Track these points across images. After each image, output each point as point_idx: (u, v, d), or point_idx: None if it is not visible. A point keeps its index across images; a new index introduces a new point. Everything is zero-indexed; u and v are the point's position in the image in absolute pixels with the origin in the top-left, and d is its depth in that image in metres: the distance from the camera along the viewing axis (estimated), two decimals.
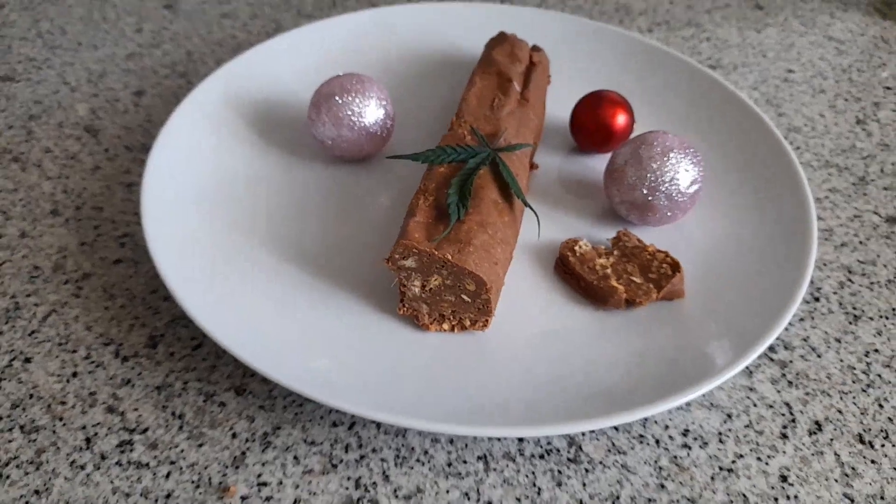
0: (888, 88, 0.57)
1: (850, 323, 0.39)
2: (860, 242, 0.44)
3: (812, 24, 0.64)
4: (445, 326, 0.36)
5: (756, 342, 0.34)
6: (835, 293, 0.41)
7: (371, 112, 0.43)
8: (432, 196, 0.37)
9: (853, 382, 0.36)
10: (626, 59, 0.52)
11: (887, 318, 0.40)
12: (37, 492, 0.30)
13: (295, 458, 0.32)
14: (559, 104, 0.50)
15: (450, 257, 0.33)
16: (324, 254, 0.40)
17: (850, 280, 0.42)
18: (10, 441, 0.32)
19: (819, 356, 0.38)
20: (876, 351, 0.38)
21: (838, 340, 0.38)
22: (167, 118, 0.49)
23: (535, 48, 0.49)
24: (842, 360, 0.37)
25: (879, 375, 0.37)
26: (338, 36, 0.53)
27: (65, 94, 0.52)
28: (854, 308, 0.40)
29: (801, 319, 0.39)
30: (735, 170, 0.45)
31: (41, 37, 0.57)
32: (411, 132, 0.47)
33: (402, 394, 0.32)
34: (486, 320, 0.35)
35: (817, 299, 0.41)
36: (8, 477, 0.31)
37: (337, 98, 0.42)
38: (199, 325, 0.33)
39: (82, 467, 0.31)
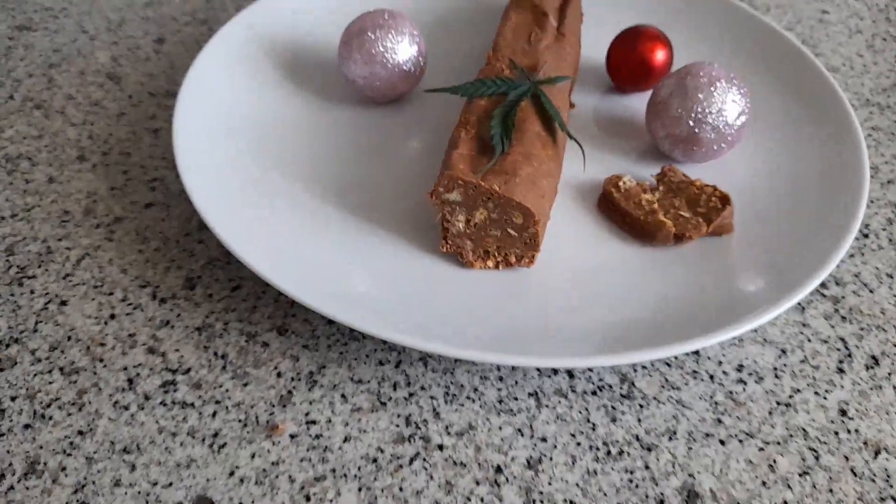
0: None
1: None
2: None
3: None
4: (490, 263, 0.35)
5: (808, 278, 0.33)
6: (884, 229, 0.40)
7: (404, 49, 0.41)
8: (474, 129, 0.35)
9: None
10: None
11: None
12: (80, 432, 0.30)
13: (343, 396, 0.31)
14: (592, 43, 0.48)
15: (497, 188, 0.32)
16: (361, 193, 0.38)
17: None
18: (50, 383, 0.31)
19: (871, 291, 0.37)
20: None
21: (890, 276, 0.37)
22: (191, 63, 0.48)
23: None
24: (895, 295, 0.36)
25: None
26: None
27: (84, 43, 0.50)
28: None
29: (851, 256, 0.38)
30: (779, 105, 0.43)
31: None
32: (444, 71, 0.46)
33: (450, 327, 0.31)
34: (533, 255, 0.34)
35: (866, 235, 0.39)
36: (51, 418, 0.30)
37: (369, 34, 0.41)
38: (243, 260, 0.32)
39: (126, 407, 0.30)
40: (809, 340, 0.34)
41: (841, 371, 0.33)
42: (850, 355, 0.34)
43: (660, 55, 0.43)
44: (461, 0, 0.51)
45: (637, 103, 0.45)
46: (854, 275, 0.37)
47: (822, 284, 0.37)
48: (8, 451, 0.29)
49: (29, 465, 0.29)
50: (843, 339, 0.34)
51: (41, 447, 0.29)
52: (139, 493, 0.28)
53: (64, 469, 0.29)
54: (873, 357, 0.34)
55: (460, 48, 0.48)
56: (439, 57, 0.47)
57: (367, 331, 0.30)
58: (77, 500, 0.28)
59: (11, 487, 0.28)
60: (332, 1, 0.49)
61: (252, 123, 0.41)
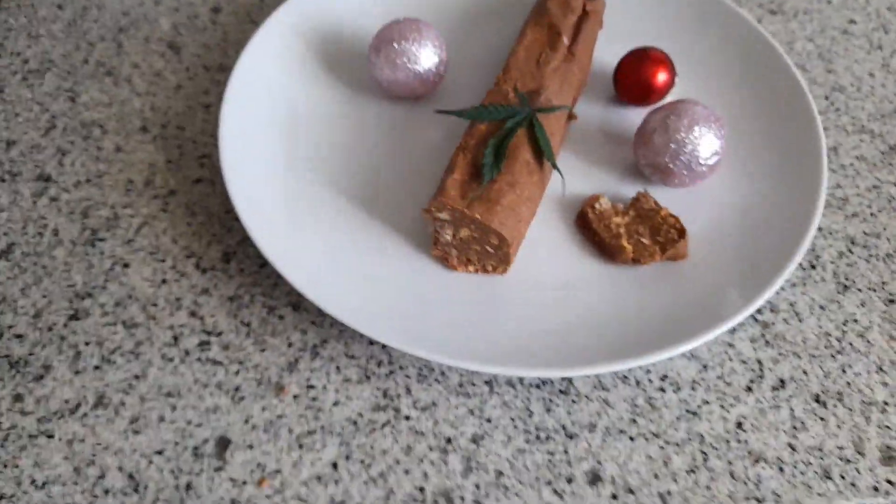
0: None
1: (839, 292, 0.43)
2: (871, 214, 0.47)
3: None
4: (470, 269, 0.42)
5: (740, 309, 0.39)
6: (832, 262, 0.45)
7: (426, 58, 0.46)
8: (471, 153, 0.41)
9: (825, 348, 0.41)
10: (678, 5, 0.53)
11: (874, 290, 0.43)
12: (136, 376, 0.39)
13: (337, 368, 0.40)
14: (609, 52, 0.52)
15: (478, 216, 0.39)
16: (375, 189, 0.45)
17: (850, 251, 0.45)
18: (115, 333, 0.40)
19: (801, 321, 0.42)
20: (855, 321, 0.42)
21: (822, 308, 0.43)
22: (242, 39, 0.54)
23: None
24: (821, 327, 0.42)
25: (851, 344, 0.41)
26: None
27: (149, 7, 0.56)
28: (846, 278, 0.44)
29: (794, 285, 0.44)
30: (762, 135, 0.47)
31: None
32: (466, 72, 0.51)
33: (424, 327, 0.39)
34: (505, 268, 0.41)
35: (814, 267, 0.44)
36: (115, 362, 0.39)
37: (395, 44, 0.46)
38: (260, 249, 0.39)
39: (171, 360, 0.39)
40: (731, 360, 0.41)
41: (749, 389, 0.40)
42: (761, 376, 0.40)
43: (660, 77, 0.47)
44: (490, 5, 0.55)
45: (637, 118, 0.49)
46: (790, 303, 0.43)
47: (758, 310, 0.43)
48: (83, 386, 0.38)
49: (98, 398, 0.38)
50: (759, 362, 0.41)
51: (107, 385, 0.38)
52: (177, 428, 0.37)
53: (123, 404, 0.38)
54: (781, 380, 0.40)
55: (488, 47, 0.52)
56: (467, 54, 0.52)
57: (356, 327, 0.37)
58: (132, 430, 0.37)
59: (85, 415, 0.38)
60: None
61: (288, 113, 0.48)
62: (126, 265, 0.43)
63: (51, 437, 0.37)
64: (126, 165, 0.47)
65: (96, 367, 0.39)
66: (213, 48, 0.54)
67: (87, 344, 0.40)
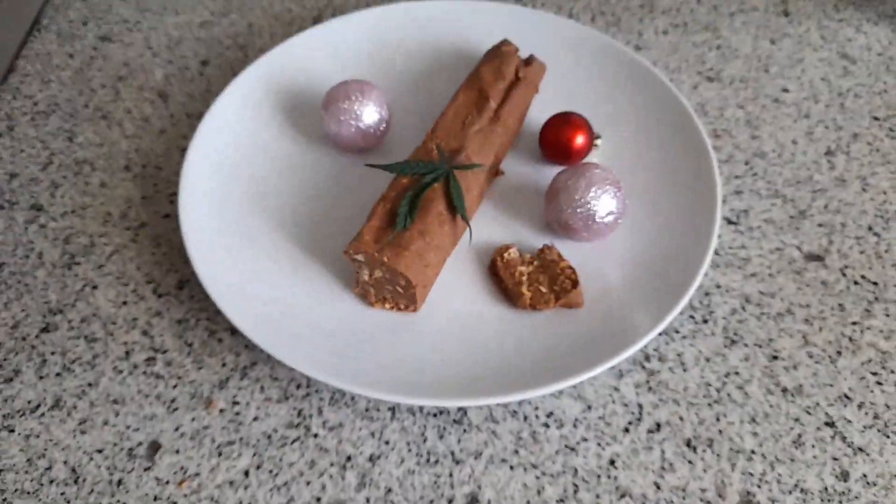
0: (875, 119, 0.59)
1: (726, 346, 0.47)
2: (770, 275, 0.50)
3: (833, 37, 0.65)
4: (386, 306, 0.47)
5: (619, 352, 0.43)
6: (724, 318, 0.49)
7: (368, 116, 0.52)
8: (390, 203, 0.47)
9: (704, 397, 0.45)
10: (611, 72, 0.58)
11: (760, 346, 0.47)
12: (90, 384, 0.45)
13: (261, 387, 0.45)
14: (545, 112, 0.57)
15: (386, 259, 0.44)
16: (314, 231, 0.51)
17: (743, 308, 0.49)
18: (77, 346, 0.47)
19: (685, 371, 0.46)
20: (736, 374, 0.46)
21: (708, 360, 0.47)
22: (223, 90, 0.61)
23: (528, 61, 0.56)
24: (703, 377, 0.46)
25: (728, 395, 0.45)
26: (366, 28, 0.61)
27: (147, 59, 0.64)
28: (735, 334, 0.48)
29: (685, 337, 0.48)
30: (667, 195, 0.51)
31: None
32: (409, 128, 0.57)
33: (340, 358, 0.44)
34: (415, 307, 0.46)
35: (706, 321, 0.48)
36: (73, 371, 0.46)
37: (341, 103, 0.52)
38: (201, 280, 0.45)
39: (121, 371, 0.46)
40: (613, 402, 0.45)
41: (626, 430, 0.44)
42: (639, 419, 0.44)
43: (579, 140, 0.52)
44: (445, 55, 0.61)
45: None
46: (677, 353, 0.47)
47: (646, 358, 0.47)
48: (44, 390, 0.45)
49: (55, 401, 0.44)
50: (640, 406, 0.45)
51: (65, 390, 0.45)
52: (118, 431, 0.43)
53: (76, 407, 0.44)
54: (658, 424, 0.44)
55: (428, 105, 0.58)
56: (409, 113, 0.58)
57: (278, 356, 0.43)
58: (80, 430, 0.43)
59: (43, 414, 0.44)
60: (340, 49, 0.60)
61: (247, 157, 0.54)
62: (95, 287, 0.50)
63: (11, 431, 0.43)
64: (107, 199, 0.54)
65: (58, 374, 0.46)
66: (196, 97, 0.61)
67: (52, 353, 0.46)
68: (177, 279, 0.50)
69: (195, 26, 0.66)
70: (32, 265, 0.51)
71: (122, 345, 0.47)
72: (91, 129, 0.59)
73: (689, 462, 0.43)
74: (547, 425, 0.44)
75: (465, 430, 0.44)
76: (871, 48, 0.65)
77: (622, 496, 0.41)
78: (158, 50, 0.64)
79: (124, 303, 0.49)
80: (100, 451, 0.43)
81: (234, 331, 0.48)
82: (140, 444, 0.43)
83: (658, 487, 0.42)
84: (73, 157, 0.57)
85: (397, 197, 0.47)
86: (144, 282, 0.50)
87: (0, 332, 0.47)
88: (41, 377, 0.46)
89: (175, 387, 0.45)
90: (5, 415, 0.44)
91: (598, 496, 0.41)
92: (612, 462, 0.43)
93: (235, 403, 0.45)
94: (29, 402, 0.44)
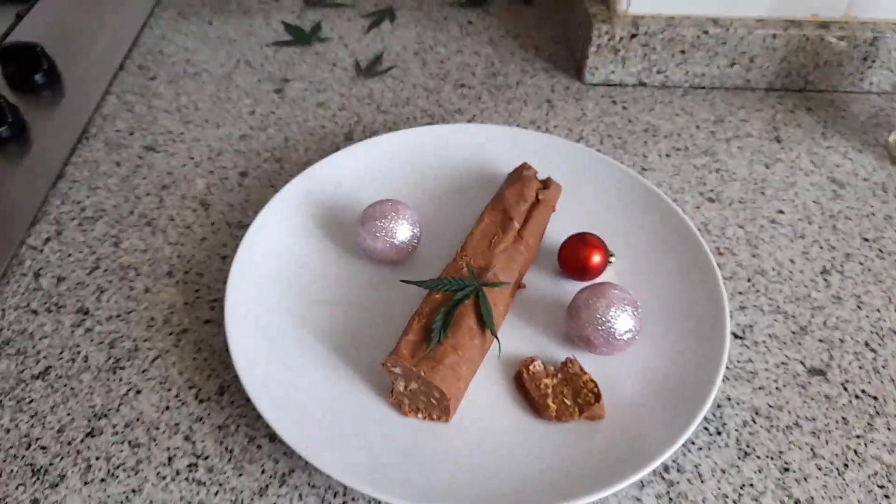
0: (865, 240, 0.64)
1: (739, 458, 0.50)
2: (776, 388, 0.54)
3: (822, 163, 0.71)
4: (419, 416, 0.50)
5: (641, 466, 0.46)
6: (736, 430, 0.51)
7: (401, 233, 0.56)
8: (425, 318, 0.50)
9: None
10: (623, 194, 0.63)
11: (771, 458, 0.50)
12: (133, 490, 0.47)
13: (300, 495, 0.47)
14: (562, 229, 0.61)
15: (423, 373, 0.47)
16: (350, 340, 0.54)
17: (753, 421, 0.52)
18: (121, 451, 0.49)
19: (703, 482, 0.49)
20: (751, 486, 0.49)
21: (723, 471, 0.49)
22: (261, 201, 0.65)
23: (545, 183, 0.61)
24: (720, 488, 0.48)
25: None
26: (395, 148, 0.66)
27: (190, 169, 0.68)
28: (748, 446, 0.51)
29: (700, 448, 0.50)
30: (679, 313, 0.55)
31: (179, 111, 0.74)
32: (438, 244, 0.61)
33: (375, 466, 0.46)
34: (447, 418, 0.49)
35: (720, 433, 0.51)
36: (117, 477, 0.47)
37: (377, 221, 0.56)
38: (245, 386, 0.48)
39: (164, 478, 0.48)
40: None
41: None
42: None
43: (595, 258, 0.56)
44: (470, 176, 0.66)
45: (576, 291, 0.58)
46: (695, 465, 0.50)
47: (665, 469, 0.49)
48: (89, 496, 0.47)
49: None
50: None
51: (109, 496, 0.47)
52: None
53: None
54: None
55: (455, 223, 0.62)
56: (442, 224, 0.62)
57: (316, 464, 0.45)
58: None
59: None
60: (372, 167, 0.65)
61: (287, 267, 0.58)
62: (139, 391, 0.52)
63: None
64: (151, 304, 0.57)
65: (102, 480, 0.47)
66: (236, 207, 0.65)
67: (97, 458, 0.48)
68: (218, 384, 0.52)
69: (235, 139, 0.71)
70: (78, 369, 0.53)
71: (165, 450, 0.49)
72: (136, 235, 0.62)
73: None
74: None
75: None
76: (857, 174, 0.70)
77: None
78: (200, 160, 0.69)
79: (167, 408, 0.51)
80: None
81: (272, 437, 0.50)
82: None
83: None
84: (118, 262, 0.60)
85: (431, 312, 0.50)
86: (186, 387, 0.52)
87: (46, 436, 0.49)
88: (86, 482, 0.47)
89: (217, 493, 0.47)
90: None
91: None
92: None
93: None
94: None
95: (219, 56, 0.80)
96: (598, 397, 0.49)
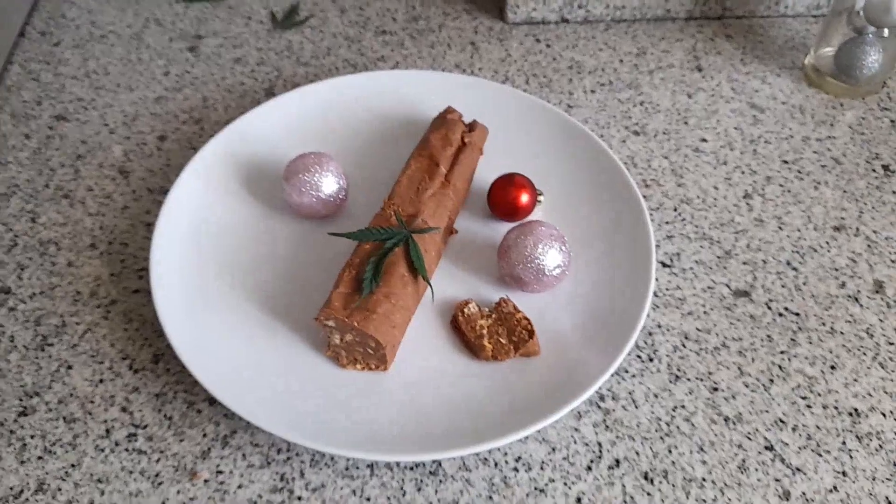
0: (785, 162, 0.66)
1: (671, 382, 0.52)
2: (704, 312, 0.56)
3: (742, 89, 0.73)
4: (358, 367, 0.50)
5: (576, 395, 0.47)
6: (667, 356, 0.53)
7: (327, 186, 0.56)
8: (355, 269, 0.50)
9: (655, 431, 0.49)
10: (548, 133, 0.63)
11: (701, 380, 0.52)
12: (73, 465, 0.46)
13: (243, 455, 0.47)
14: (491, 171, 0.61)
15: (356, 324, 0.47)
16: (282, 298, 0.53)
17: (683, 345, 0.54)
18: (56, 428, 0.48)
19: (637, 407, 0.51)
20: (683, 407, 0.51)
21: (656, 396, 0.51)
22: (182, 164, 0.63)
23: (471, 126, 0.60)
24: (653, 412, 0.50)
25: (678, 427, 0.50)
26: (318, 100, 0.65)
27: (105, 136, 0.65)
28: (678, 370, 0.52)
29: (633, 375, 0.52)
30: (606, 246, 0.56)
31: (88, 76, 0.71)
32: (366, 195, 0.60)
33: (317, 420, 0.47)
34: (385, 366, 0.49)
35: (651, 360, 0.53)
36: (54, 453, 0.47)
37: (301, 175, 0.55)
38: (178, 353, 0.47)
39: (102, 450, 0.47)
40: (575, 442, 0.49)
41: (589, 469, 0.48)
42: (600, 456, 0.48)
43: (524, 198, 0.57)
44: (396, 124, 0.65)
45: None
46: (629, 392, 0.51)
47: (601, 398, 0.51)
48: (27, 474, 0.46)
49: (38, 485, 0.45)
50: (600, 444, 0.49)
51: (47, 473, 0.46)
52: None
53: (60, 489, 0.45)
54: (617, 460, 0.48)
55: (382, 172, 0.62)
56: (365, 181, 0.61)
57: (258, 423, 0.45)
58: None
59: (27, 500, 0.45)
60: (296, 120, 0.63)
61: (213, 229, 0.56)
62: (70, 367, 0.51)
63: None
64: (76, 278, 0.56)
65: (39, 458, 0.46)
66: (157, 172, 0.63)
67: (31, 437, 0.47)
68: (152, 353, 0.52)
69: (150, 102, 0.69)
70: (5, 349, 0.51)
71: (102, 423, 0.48)
72: (53, 209, 0.60)
73: (648, 494, 0.47)
74: (516, 469, 0.47)
75: (441, 481, 0.47)
76: (776, 97, 0.72)
77: None
78: (115, 127, 0.66)
79: (101, 381, 0.50)
80: None
81: (212, 401, 0.49)
82: None
83: None
84: (37, 238, 0.58)
85: (361, 263, 0.50)
86: (119, 358, 0.51)
87: None
88: (22, 462, 0.46)
89: (158, 461, 0.47)
90: None
91: None
92: (578, 500, 0.46)
93: (219, 472, 0.46)
94: (11, 489, 0.45)
95: (126, 16, 0.77)
96: (531, 334, 0.50)
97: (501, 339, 0.51)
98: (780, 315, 0.56)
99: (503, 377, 0.50)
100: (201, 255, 0.55)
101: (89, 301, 0.54)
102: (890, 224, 0.62)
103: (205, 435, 0.48)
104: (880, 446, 0.49)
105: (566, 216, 0.59)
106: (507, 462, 0.48)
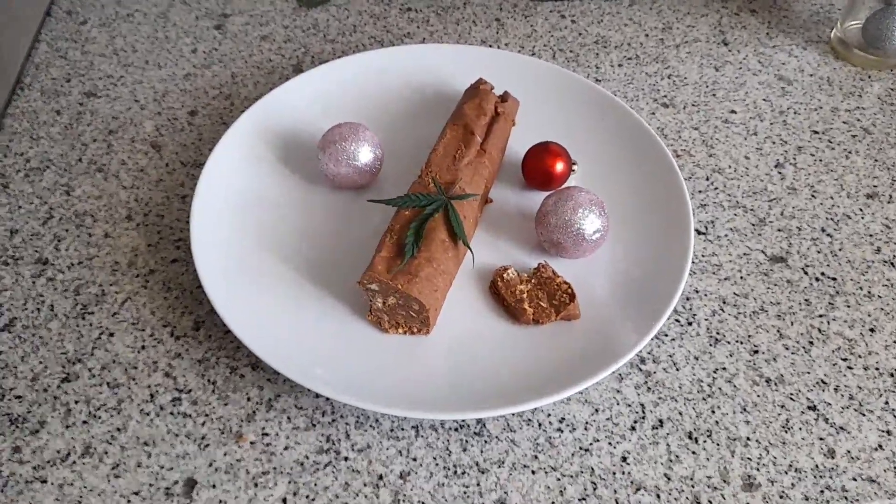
0: (815, 132, 0.66)
1: (711, 345, 0.52)
2: (741, 277, 0.56)
3: (769, 62, 0.73)
4: (400, 331, 0.50)
5: (617, 357, 0.47)
6: (706, 319, 0.53)
7: (364, 155, 0.56)
8: (396, 235, 0.50)
9: (697, 392, 0.49)
10: (580, 104, 0.63)
11: (741, 342, 0.52)
12: (118, 429, 0.46)
13: (288, 417, 0.47)
14: (523, 143, 0.61)
15: (400, 287, 0.47)
16: (322, 265, 0.54)
17: (721, 309, 0.54)
18: (100, 392, 0.48)
19: (678, 370, 0.51)
20: (724, 369, 0.51)
21: (696, 358, 0.51)
22: (214, 138, 0.63)
23: (503, 97, 0.60)
24: (694, 374, 0.50)
25: (720, 388, 0.50)
26: (348, 74, 0.65)
27: (136, 112, 0.66)
28: (718, 333, 0.52)
29: (673, 339, 0.52)
30: (643, 212, 0.56)
31: (116, 54, 0.71)
32: (400, 165, 0.60)
33: (361, 381, 0.47)
34: (427, 329, 0.49)
35: (690, 323, 0.53)
36: (100, 417, 0.47)
37: (337, 145, 0.55)
38: (223, 318, 0.47)
39: (147, 414, 0.47)
40: (618, 403, 0.49)
41: (633, 429, 0.48)
42: (643, 417, 0.48)
43: (559, 167, 0.57)
44: (427, 97, 0.65)
45: (541, 200, 0.58)
46: (669, 355, 0.51)
47: (642, 360, 0.51)
48: (73, 438, 0.46)
49: (85, 448, 0.45)
50: (642, 405, 0.49)
51: (93, 437, 0.46)
52: (152, 472, 0.45)
53: (107, 453, 0.45)
54: (660, 420, 0.48)
55: (416, 143, 0.62)
56: (403, 147, 0.61)
57: (303, 383, 0.45)
58: (113, 474, 0.44)
59: (74, 462, 0.45)
60: (328, 94, 0.64)
61: (250, 201, 0.56)
62: (111, 334, 0.51)
63: (44, 482, 0.44)
64: (113, 249, 0.56)
65: (84, 422, 0.47)
66: (189, 146, 0.63)
67: (76, 402, 0.47)
68: (192, 321, 0.52)
69: (179, 79, 0.69)
70: (45, 318, 0.51)
71: (146, 388, 0.48)
72: (88, 182, 0.60)
73: (693, 453, 0.47)
74: (560, 430, 0.47)
75: (486, 441, 0.47)
76: (803, 70, 0.72)
77: (637, 489, 0.45)
78: (145, 103, 0.66)
79: (142, 347, 0.50)
80: (136, 493, 0.44)
81: (254, 366, 0.50)
82: (176, 482, 0.44)
83: (668, 478, 0.46)
84: (72, 210, 0.58)
85: (402, 228, 0.50)
86: (160, 325, 0.51)
87: (20, 386, 0.48)
88: (67, 426, 0.46)
89: (204, 424, 0.47)
90: (35, 466, 0.45)
91: (615, 491, 0.45)
92: (623, 459, 0.46)
93: (265, 435, 0.46)
94: (58, 452, 0.45)
95: None
96: (572, 297, 0.50)
97: (542, 303, 0.51)
98: (817, 280, 0.56)
99: (544, 340, 0.50)
100: (239, 225, 0.55)
101: (128, 271, 0.54)
102: None
103: (249, 399, 0.48)
104: None
105: (601, 185, 0.59)
106: (550, 423, 0.48)
